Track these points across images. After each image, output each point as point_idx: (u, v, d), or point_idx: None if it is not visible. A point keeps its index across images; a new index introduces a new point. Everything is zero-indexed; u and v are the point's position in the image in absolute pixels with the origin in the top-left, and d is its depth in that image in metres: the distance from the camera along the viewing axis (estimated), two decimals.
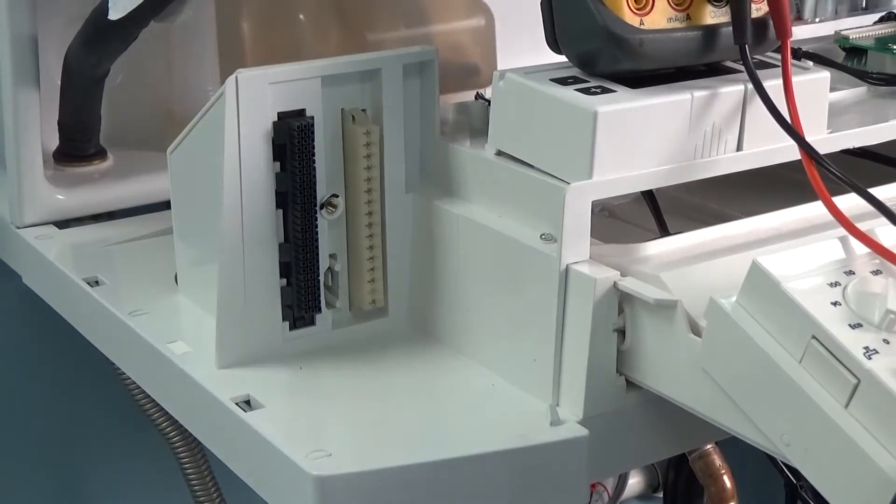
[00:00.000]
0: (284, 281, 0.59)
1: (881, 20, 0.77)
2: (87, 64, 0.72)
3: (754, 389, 0.48)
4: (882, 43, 0.72)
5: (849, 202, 0.51)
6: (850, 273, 0.48)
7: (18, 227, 0.73)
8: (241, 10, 0.78)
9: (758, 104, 0.55)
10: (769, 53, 0.59)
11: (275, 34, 0.80)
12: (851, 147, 0.61)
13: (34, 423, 0.87)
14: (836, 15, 0.90)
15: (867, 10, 0.92)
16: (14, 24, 0.70)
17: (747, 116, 0.57)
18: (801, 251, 0.49)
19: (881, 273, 0.49)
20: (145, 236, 0.72)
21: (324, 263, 0.59)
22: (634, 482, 1.08)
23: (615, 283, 0.53)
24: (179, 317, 0.64)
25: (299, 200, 0.58)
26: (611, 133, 0.53)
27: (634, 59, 0.55)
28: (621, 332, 0.54)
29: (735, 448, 0.62)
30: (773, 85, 0.55)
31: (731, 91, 0.56)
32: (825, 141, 0.59)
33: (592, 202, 0.54)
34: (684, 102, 0.55)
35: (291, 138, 0.57)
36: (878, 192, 0.51)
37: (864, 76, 0.68)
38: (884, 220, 0.49)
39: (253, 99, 0.56)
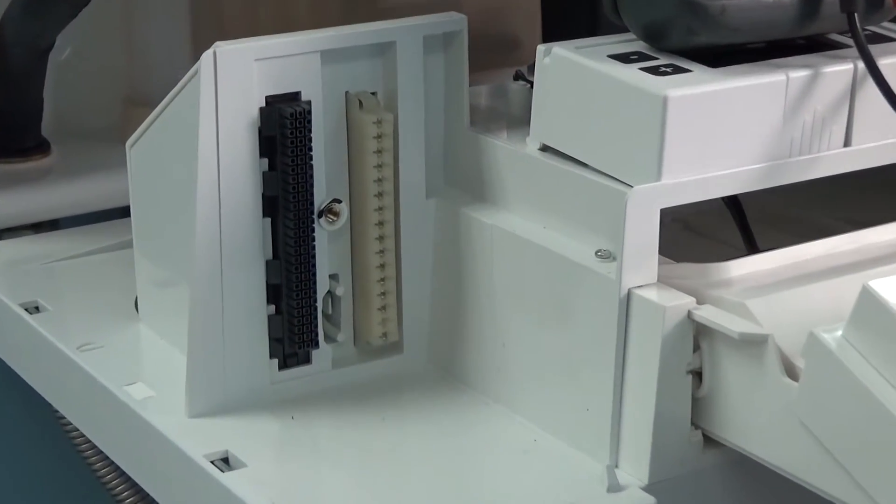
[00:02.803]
0: (273, 308, 0.59)
1: None
2: (27, 34, 0.72)
3: (864, 447, 0.48)
4: None
5: None
6: None
7: None
8: None
9: (870, 87, 0.55)
10: (885, 24, 0.59)
11: None
12: None
13: None
14: None
15: None
16: None
17: (857, 103, 0.57)
18: None
19: None
20: (98, 251, 0.73)
21: (322, 286, 0.59)
22: None
23: (690, 312, 0.53)
24: (140, 352, 0.64)
25: (292, 207, 0.58)
26: (685, 123, 0.53)
27: (715, 31, 0.55)
28: (697, 375, 0.54)
29: None
30: (890, 63, 0.56)
31: (837, 71, 0.56)
32: None
33: (661, 210, 0.54)
34: (778, 85, 0.55)
35: (283, 128, 0.57)
36: None
37: None
38: None
39: (235, 79, 0.56)
